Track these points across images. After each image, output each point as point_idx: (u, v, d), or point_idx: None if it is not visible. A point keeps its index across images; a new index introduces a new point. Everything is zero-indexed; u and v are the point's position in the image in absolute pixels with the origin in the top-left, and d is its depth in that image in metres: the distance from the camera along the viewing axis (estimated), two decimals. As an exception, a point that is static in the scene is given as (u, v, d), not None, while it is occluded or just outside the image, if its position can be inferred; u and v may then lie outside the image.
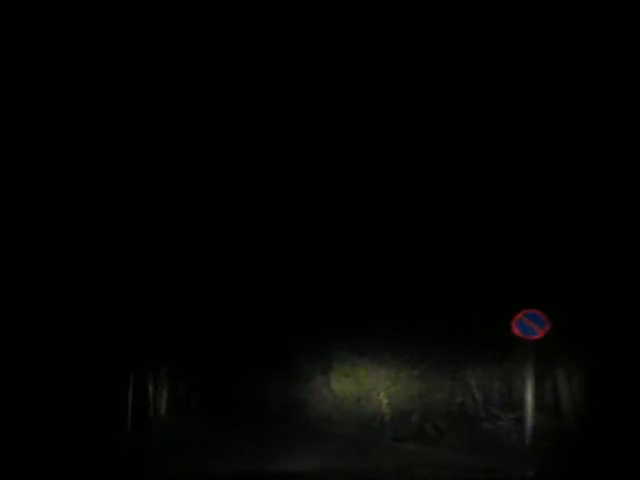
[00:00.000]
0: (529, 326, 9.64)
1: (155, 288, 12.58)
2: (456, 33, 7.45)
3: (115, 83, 8.18)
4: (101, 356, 11.52)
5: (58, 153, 9.31)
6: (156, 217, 11.30)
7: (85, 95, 8.36)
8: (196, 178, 10.49)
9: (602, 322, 9.39)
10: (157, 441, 12.67)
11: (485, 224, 10.11)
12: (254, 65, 8.04)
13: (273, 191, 10.99)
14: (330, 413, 17.27)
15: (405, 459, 10.48)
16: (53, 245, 10.11)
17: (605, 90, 7.74)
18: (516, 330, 9.73)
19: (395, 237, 11.27)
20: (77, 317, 10.85)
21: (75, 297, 10.46)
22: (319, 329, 14.99)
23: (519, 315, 9.74)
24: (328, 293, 13.54)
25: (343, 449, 11.26)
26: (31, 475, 6.96)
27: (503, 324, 9.91)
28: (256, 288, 14.49)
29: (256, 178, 10.63)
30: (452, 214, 10.38)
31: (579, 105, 7.96)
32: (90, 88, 8.20)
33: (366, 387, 15.43)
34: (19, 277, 9.68)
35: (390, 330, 12.97)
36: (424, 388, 13.47)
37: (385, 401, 14.44)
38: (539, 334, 9.58)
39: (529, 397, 9.80)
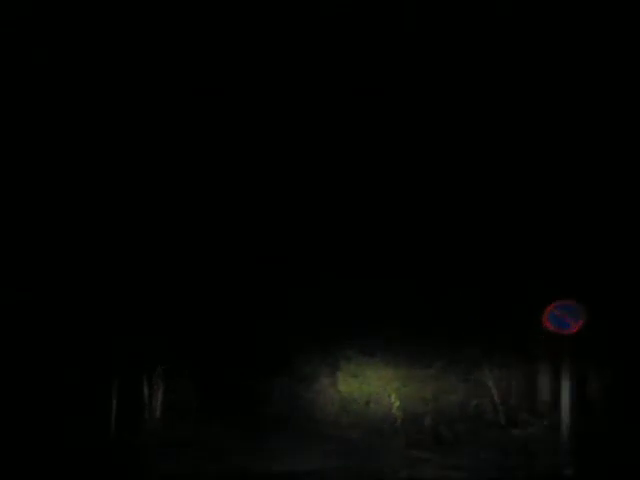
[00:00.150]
0: (562, 319, 8.62)
1: (153, 286, 12.57)
2: (456, 33, 7.45)
3: (115, 83, 8.19)
4: (95, 355, 11.43)
5: (58, 153, 9.32)
6: (155, 216, 11.30)
7: (85, 95, 8.36)
8: (196, 178, 10.49)
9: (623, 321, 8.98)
10: (152, 443, 12.45)
11: (492, 223, 9.94)
12: (254, 65, 8.05)
13: (274, 191, 10.99)
14: (337, 415, 16.22)
15: (420, 469, 9.79)
16: (47, 242, 10.10)
17: (605, 90, 7.74)
18: (548, 324, 8.70)
19: (397, 236, 11.25)
20: (71, 316, 10.84)
21: (69, 295, 10.46)
22: (324, 328, 14.76)
23: (550, 307, 8.72)
24: (332, 292, 13.51)
25: (350, 454, 10.87)
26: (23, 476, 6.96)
27: (522, 321, 9.31)
28: (258, 286, 14.48)
29: (256, 178, 10.63)
30: (457, 212, 10.31)
31: (582, 102, 7.94)
32: (90, 88, 8.20)
33: (375, 388, 14.73)
34: (12, 276, 9.68)
35: (399, 328, 12.47)
36: (437, 389, 12.77)
37: (396, 403, 13.75)
38: (574, 328, 8.54)
39: (567, 399, 8.68)
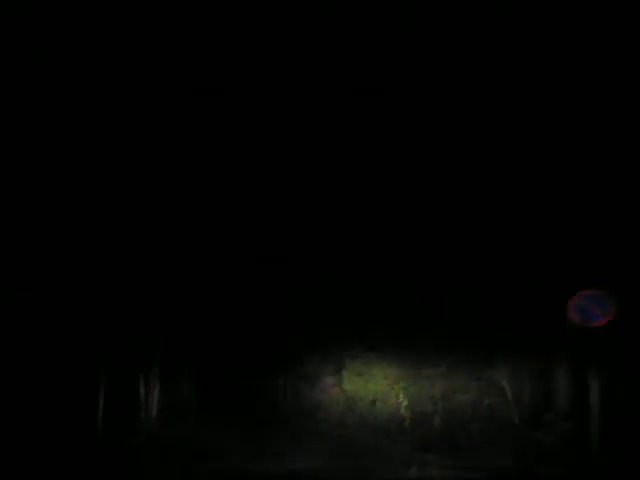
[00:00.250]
0: (589, 310, 7.72)
1: (154, 287, 12.57)
2: (456, 33, 7.45)
3: (115, 83, 8.18)
4: (91, 354, 11.39)
5: (59, 153, 9.31)
6: (156, 216, 11.30)
7: (85, 95, 8.36)
8: (196, 179, 10.49)
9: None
10: (150, 443, 12.31)
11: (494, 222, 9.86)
12: (254, 65, 8.04)
13: (274, 191, 10.99)
14: (342, 415, 15.68)
15: (429, 473, 9.09)
16: (48, 243, 10.10)
17: (605, 89, 7.73)
18: (574, 316, 7.88)
19: (398, 236, 11.24)
20: (72, 316, 10.83)
21: (69, 295, 10.46)
22: (326, 326, 14.60)
23: (576, 298, 7.91)
24: (333, 291, 13.49)
25: (355, 455, 10.37)
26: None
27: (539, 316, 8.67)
28: (259, 286, 14.48)
29: (257, 179, 10.63)
30: (457, 213, 10.29)
31: (583, 102, 7.93)
32: (90, 88, 8.20)
33: (382, 387, 14.14)
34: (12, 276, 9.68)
35: (407, 323, 12.07)
36: (447, 388, 12.01)
37: (404, 403, 13.09)
38: (602, 320, 7.65)
39: (595, 400, 7.99)
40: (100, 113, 8.73)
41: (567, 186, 9.04)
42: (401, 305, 12.05)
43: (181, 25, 7.37)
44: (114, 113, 8.77)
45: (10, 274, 9.54)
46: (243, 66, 8.04)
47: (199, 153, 9.85)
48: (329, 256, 12.55)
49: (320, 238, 12.09)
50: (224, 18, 7.31)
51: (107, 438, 10.94)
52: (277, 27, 7.41)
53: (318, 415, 16.28)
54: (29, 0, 6.89)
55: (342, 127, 9.18)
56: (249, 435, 13.42)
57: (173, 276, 12.95)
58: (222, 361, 17.96)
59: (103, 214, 10.54)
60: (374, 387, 14.23)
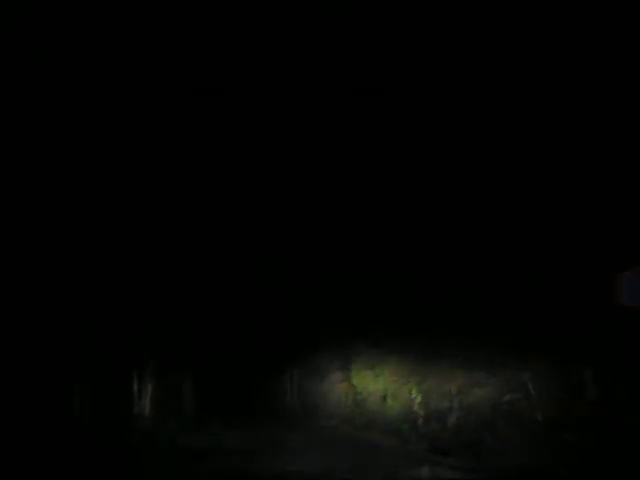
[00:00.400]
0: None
1: (151, 284, 12.60)
2: (456, 33, 7.45)
3: (115, 83, 8.18)
4: (85, 350, 11.38)
5: (59, 153, 9.32)
6: (156, 217, 11.31)
7: (85, 95, 8.36)
8: (197, 179, 10.50)
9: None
10: (141, 442, 12.13)
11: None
12: (254, 65, 8.04)
13: (278, 190, 11.01)
14: (351, 414, 14.56)
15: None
16: (49, 243, 10.12)
17: (606, 89, 7.73)
18: (621, 297, 6.92)
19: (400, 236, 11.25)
20: (72, 315, 10.85)
21: (69, 295, 10.47)
22: (328, 324, 14.40)
23: (625, 275, 6.94)
24: (333, 291, 13.51)
25: (363, 457, 9.56)
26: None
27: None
28: (260, 284, 14.54)
29: (257, 178, 10.64)
30: (457, 212, 10.28)
31: (584, 102, 7.92)
32: (90, 88, 8.20)
33: (393, 382, 12.83)
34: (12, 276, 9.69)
35: (419, 313, 11.31)
36: (463, 382, 10.75)
37: (418, 399, 11.66)
38: None
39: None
40: (100, 113, 8.74)
41: (567, 186, 9.04)
42: (401, 305, 12.06)
43: (181, 25, 7.37)
44: (114, 113, 8.78)
45: (7, 272, 9.55)
46: (243, 66, 8.04)
47: (199, 153, 9.86)
48: (329, 256, 12.56)
49: (320, 238, 12.11)
50: (224, 18, 7.31)
51: (105, 438, 10.95)
52: (277, 27, 7.41)
53: (326, 413, 15.53)
54: (29, 0, 6.89)
55: (342, 127, 9.19)
56: (251, 434, 13.13)
57: (173, 276, 12.98)
58: (222, 360, 17.99)
59: (103, 213, 10.55)
60: (384, 382, 13.13)
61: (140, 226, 11.29)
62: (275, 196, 11.21)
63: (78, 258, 10.76)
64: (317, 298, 14.36)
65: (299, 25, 7.32)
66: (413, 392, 11.77)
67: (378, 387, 13.32)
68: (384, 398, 13.01)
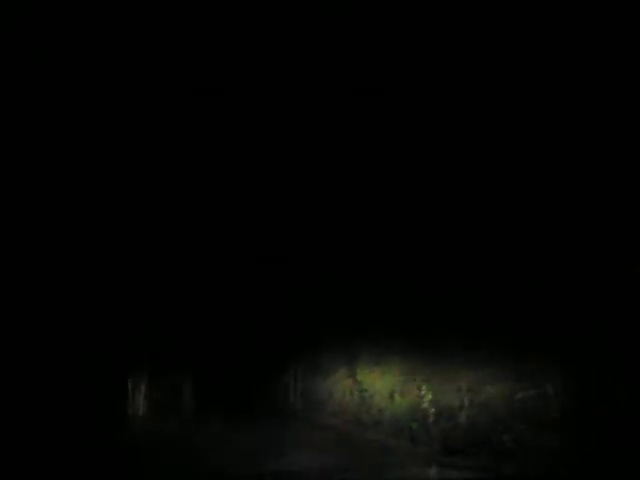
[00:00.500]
0: None
1: (151, 284, 12.61)
2: (456, 33, 7.44)
3: (115, 83, 8.18)
4: (77, 348, 11.35)
5: (59, 153, 9.32)
6: (157, 217, 11.31)
7: (85, 95, 8.36)
8: (197, 180, 10.51)
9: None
10: (141, 442, 11.98)
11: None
12: (254, 65, 8.04)
13: (278, 190, 11.01)
14: (357, 412, 13.72)
15: None
16: (49, 243, 10.12)
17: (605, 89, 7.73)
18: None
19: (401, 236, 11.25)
20: (72, 315, 10.84)
21: (69, 295, 10.47)
22: (335, 316, 14.24)
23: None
24: (333, 290, 13.52)
25: (371, 460, 8.93)
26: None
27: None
28: (260, 284, 14.57)
29: (257, 178, 10.64)
30: (457, 212, 10.26)
31: (585, 102, 7.91)
32: (90, 88, 8.20)
33: (400, 377, 12.10)
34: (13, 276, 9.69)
35: (429, 305, 10.91)
36: (475, 378, 10.00)
37: (428, 396, 10.92)
38: None
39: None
40: (100, 113, 8.74)
41: (567, 186, 9.04)
42: (401, 305, 12.05)
43: (181, 25, 7.36)
44: (114, 113, 8.78)
45: (6, 273, 9.56)
46: (243, 66, 8.04)
47: (199, 154, 9.86)
48: (329, 256, 12.57)
49: (320, 238, 12.11)
50: (224, 18, 7.31)
51: (105, 438, 10.95)
52: (277, 27, 7.41)
53: (330, 411, 14.86)
54: (29, 0, 6.89)
55: (342, 127, 9.19)
56: (252, 433, 12.93)
57: (173, 276, 12.99)
58: (223, 359, 17.99)
59: (103, 213, 10.56)
60: (391, 378, 12.41)
61: (140, 225, 11.30)
62: (275, 196, 11.22)
63: (78, 258, 10.77)
64: (317, 297, 14.38)
65: (299, 25, 7.32)
66: (423, 389, 11.02)
67: (385, 384, 12.62)
68: (391, 395, 12.29)
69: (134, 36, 7.42)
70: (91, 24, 7.27)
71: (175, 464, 8.84)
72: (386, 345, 12.81)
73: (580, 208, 9.10)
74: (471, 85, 8.20)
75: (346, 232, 11.81)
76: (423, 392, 11.11)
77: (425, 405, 10.94)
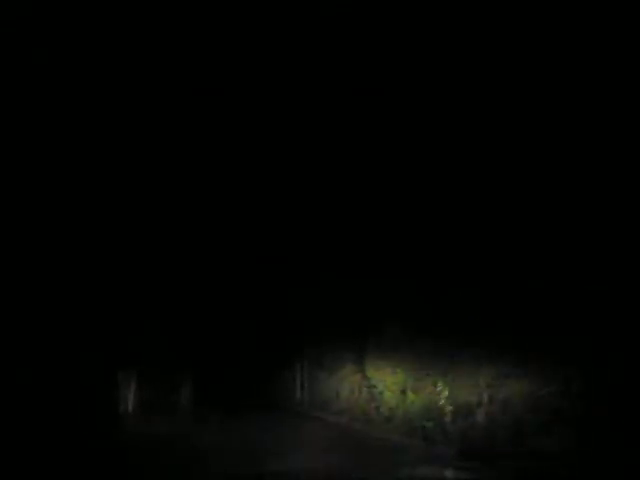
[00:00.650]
0: None
1: (151, 284, 12.61)
2: (456, 33, 7.45)
3: (115, 83, 8.19)
4: (76, 348, 11.30)
5: (59, 153, 9.33)
6: (155, 214, 11.31)
7: (85, 95, 8.36)
8: (197, 180, 10.51)
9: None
10: (135, 441, 11.79)
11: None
12: (254, 65, 8.04)
13: (278, 191, 11.02)
14: (367, 411, 12.78)
15: None
16: (49, 244, 10.12)
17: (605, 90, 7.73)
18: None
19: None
20: (72, 315, 10.84)
21: (69, 295, 10.46)
22: (327, 324, 14.25)
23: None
24: (332, 290, 13.52)
25: (381, 465, 8.00)
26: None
27: None
28: (261, 284, 14.58)
29: (257, 178, 10.64)
30: (457, 212, 10.25)
31: (585, 101, 7.91)
32: (90, 88, 8.20)
33: (413, 372, 11.16)
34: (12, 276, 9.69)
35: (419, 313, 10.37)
36: (494, 373, 9.14)
37: (445, 392, 10.02)
38: None
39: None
40: (100, 113, 8.74)
41: (567, 186, 9.03)
42: (401, 305, 12.03)
43: (181, 25, 7.37)
44: (114, 113, 8.78)
45: (6, 273, 9.56)
46: (243, 66, 8.04)
47: (199, 154, 9.86)
48: (329, 256, 12.57)
49: (320, 238, 12.11)
50: (224, 18, 7.31)
51: (103, 437, 10.93)
52: (277, 27, 7.41)
53: (339, 410, 14.14)
54: (29, 0, 6.89)
55: (342, 127, 9.19)
56: (256, 432, 12.72)
57: (173, 276, 12.98)
58: (222, 359, 17.97)
59: (103, 213, 10.55)
60: (403, 373, 11.48)
61: (140, 225, 11.29)
62: (276, 196, 11.22)
63: (77, 257, 10.77)
64: (317, 297, 14.39)
65: (299, 25, 7.32)
66: (439, 384, 10.07)
67: (396, 379, 11.64)
68: (402, 391, 11.32)
69: (134, 36, 7.43)
70: (91, 24, 7.27)
71: (175, 464, 8.81)
72: (385, 347, 12.45)
73: (580, 208, 9.09)
74: (472, 85, 8.20)
75: (346, 232, 11.81)
76: (439, 389, 10.14)
77: (442, 403, 9.99)
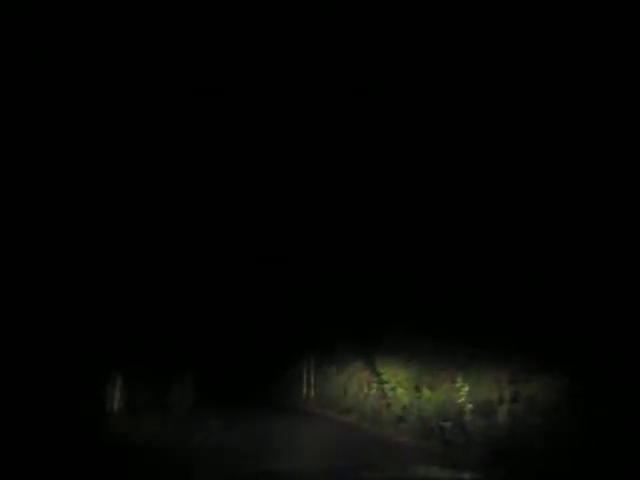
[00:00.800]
0: None
1: (151, 284, 12.62)
2: (456, 33, 7.45)
3: (115, 83, 8.19)
4: (75, 348, 11.28)
5: (59, 153, 9.33)
6: (155, 215, 11.32)
7: (85, 95, 8.37)
8: (197, 180, 10.52)
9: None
10: (135, 441, 11.70)
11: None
12: (254, 65, 8.05)
13: (278, 191, 11.03)
14: (378, 410, 11.86)
15: None
16: (50, 244, 10.13)
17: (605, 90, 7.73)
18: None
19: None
20: (71, 315, 10.84)
21: (69, 295, 10.46)
22: (327, 324, 14.16)
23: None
24: (336, 288, 13.53)
25: (392, 472, 6.55)
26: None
27: None
28: (261, 284, 14.61)
29: (257, 178, 10.65)
30: (457, 212, 10.25)
31: (585, 101, 7.91)
32: (90, 88, 8.21)
33: (428, 368, 10.22)
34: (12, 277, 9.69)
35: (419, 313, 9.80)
36: (518, 367, 8.38)
37: (465, 388, 9.02)
38: None
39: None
40: (100, 113, 8.75)
41: (567, 186, 9.04)
42: (401, 305, 12.02)
43: (181, 25, 7.37)
44: (114, 113, 8.78)
45: (5, 273, 9.57)
46: (243, 66, 8.05)
47: (200, 154, 9.87)
48: (329, 256, 12.57)
49: (320, 238, 12.11)
50: (224, 18, 7.31)
51: (103, 437, 10.93)
52: (277, 27, 7.42)
53: (348, 408, 13.46)
54: (29, 0, 6.90)
55: (342, 127, 9.20)
56: (261, 431, 12.53)
57: (173, 275, 12.99)
58: (223, 358, 17.99)
59: (103, 213, 10.56)
60: (417, 369, 10.60)
61: (140, 224, 11.30)
62: (276, 196, 11.23)
63: (77, 257, 10.77)
64: (317, 297, 14.41)
65: (299, 25, 7.33)
66: (458, 380, 9.19)
67: (410, 375, 10.81)
68: (417, 388, 10.44)
69: (134, 36, 7.43)
70: (91, 24, 7.28)
71: (175, 464, 8.81)
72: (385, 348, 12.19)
73: (580, 208, 9.09)
74: (472, 85, 8.20)
75: (346, 232, 11.81)
76: (459, 384, 9.32)
77: (462, 400, 9.16)
